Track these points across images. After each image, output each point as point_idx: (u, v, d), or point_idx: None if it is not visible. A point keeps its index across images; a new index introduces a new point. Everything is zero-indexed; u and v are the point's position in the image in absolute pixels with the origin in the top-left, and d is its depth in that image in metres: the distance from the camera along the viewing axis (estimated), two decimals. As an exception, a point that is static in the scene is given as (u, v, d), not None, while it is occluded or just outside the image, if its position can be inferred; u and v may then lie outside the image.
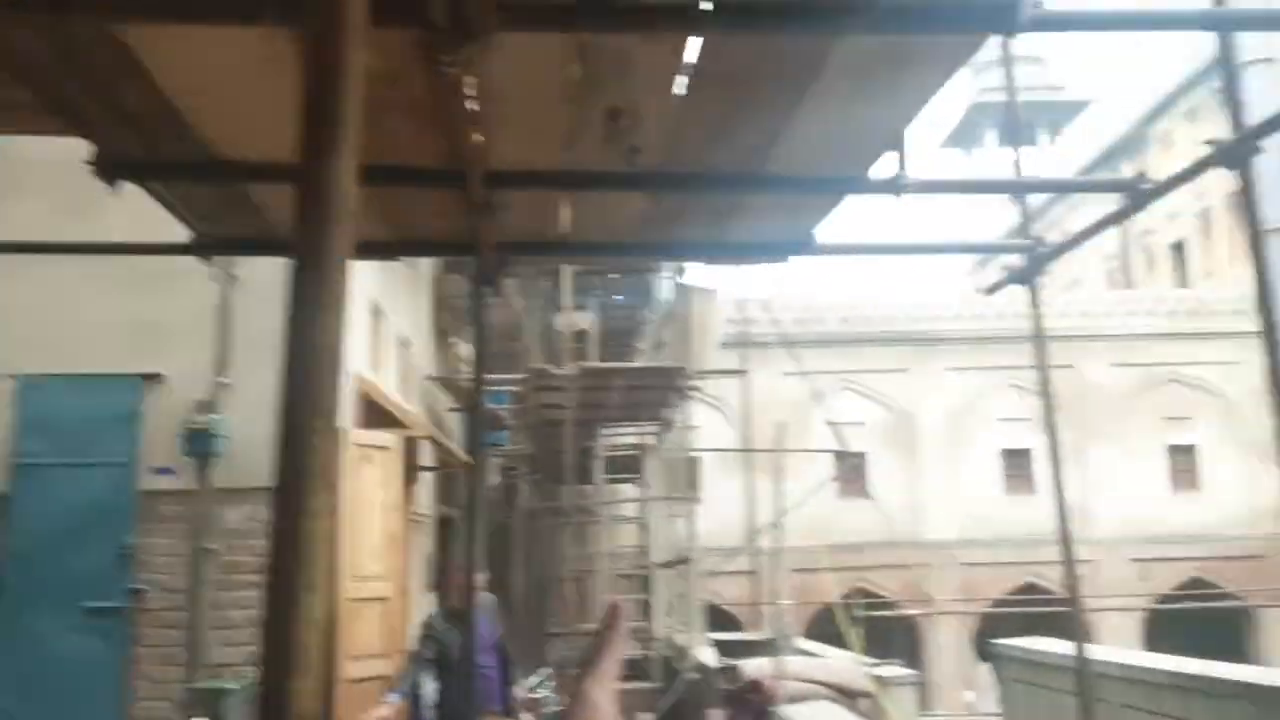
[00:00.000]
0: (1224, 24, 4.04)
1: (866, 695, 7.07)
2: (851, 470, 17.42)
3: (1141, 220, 27.90)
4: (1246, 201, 4.18)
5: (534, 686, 9.12)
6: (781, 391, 19.50)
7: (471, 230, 4.34)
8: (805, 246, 5.00)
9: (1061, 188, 20.59)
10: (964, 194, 4.75)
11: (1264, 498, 21.31)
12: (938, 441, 21.92)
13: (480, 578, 6.31)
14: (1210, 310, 22.23)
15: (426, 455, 9.59)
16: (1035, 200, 31.88)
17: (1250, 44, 21.95)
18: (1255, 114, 4.23)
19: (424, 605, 8.94)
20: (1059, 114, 40.18)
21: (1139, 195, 4.77)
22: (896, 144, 4.16)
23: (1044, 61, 41.03)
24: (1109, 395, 22.18)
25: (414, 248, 5.22)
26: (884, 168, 4.20)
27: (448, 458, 10.00)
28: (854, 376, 21.83)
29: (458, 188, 3.90)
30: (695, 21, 2.99)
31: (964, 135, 40.37)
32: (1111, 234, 29.30)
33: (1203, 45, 24.26)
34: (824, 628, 14.28)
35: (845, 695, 7.02)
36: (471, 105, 3.42)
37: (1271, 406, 4.28)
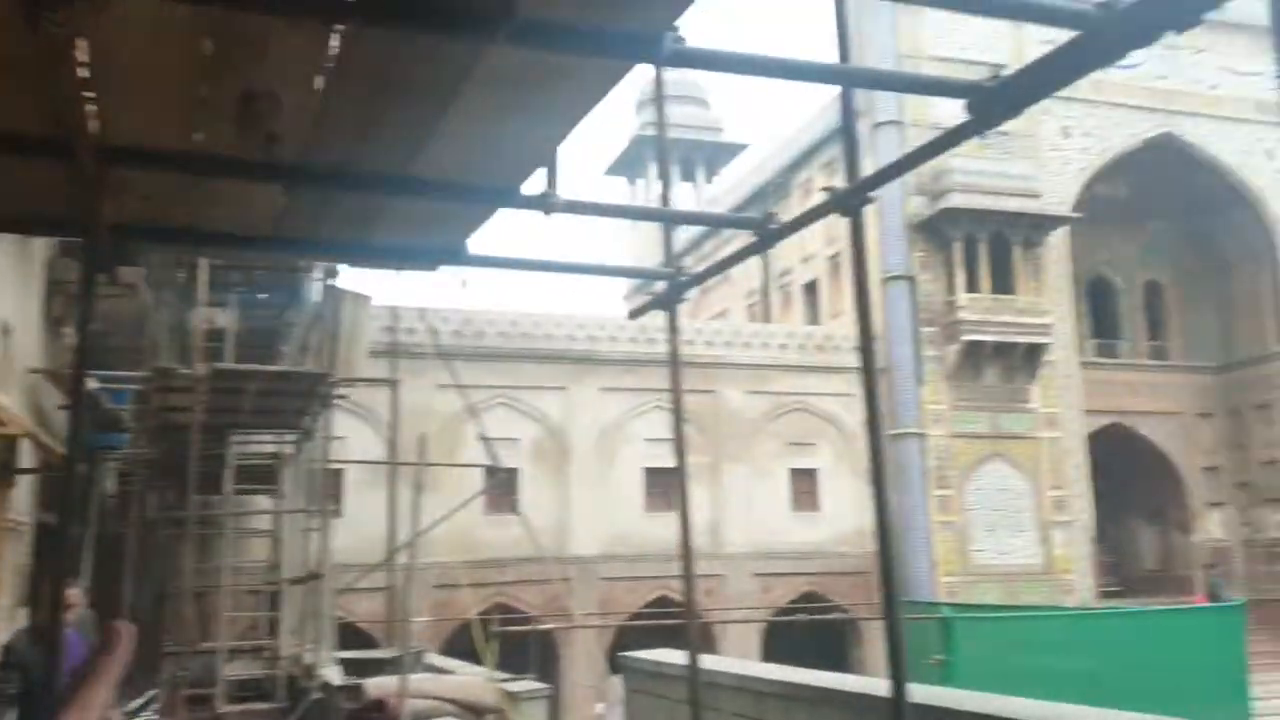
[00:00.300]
0: (845, 79, 4.41)
1: (495, 711, 7.06)
2: (502, 486, 17.52)
3: (781, 262, 30.09)
4: (855, 247, 4.57)
5: (138, 709, 8.42)
6: (435, 404, 19.32)
7: (84, 210, 3.93)
8: (455, 255, 4.95)
9: (701, 221, 21.64)
10: (611, 218, 4.87)
11: (872, 519, 23.49)
12: (588, 459, 22.52)
13: (74, 592, 5.73)
14: (835, 346, 24.32)
15: (27, 456, 8.64)
16: (691, 234, 33.69)
17: (884, 106, 24.30)
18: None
19: (17, 621, 8.03)
20: (719, 154, 42.55)
21: (767, 234, 5.10)
22: (549, 162, 4.21)
23: (707, 103, 43.33)
24: (744, 420, 23.70)
25: (15, 225, 4.67)
26: (536, 184, 4.25)
27: (54, 459, 9.07)
28: (511, 392, 22.01)
29: (67, 161, 3.51)
30: (335, 11, 2.86)
31: (627, 165, 41.90)
32: (756, 272, 31.42)
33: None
34: (463, 644, 14.19)
35: (473, 711, 6.99)
36: (82, 71, 3.10)
37: (868, 437, 4.69)
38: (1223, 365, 29.98)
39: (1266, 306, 28.31)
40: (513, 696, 7.55)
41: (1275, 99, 28.32)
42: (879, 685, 5.01)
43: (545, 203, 4.31)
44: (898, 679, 3.89)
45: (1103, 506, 26.37)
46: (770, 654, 20.43)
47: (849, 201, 4.44)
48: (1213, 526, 29.58)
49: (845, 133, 4.62)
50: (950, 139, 3.70)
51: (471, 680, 7.79)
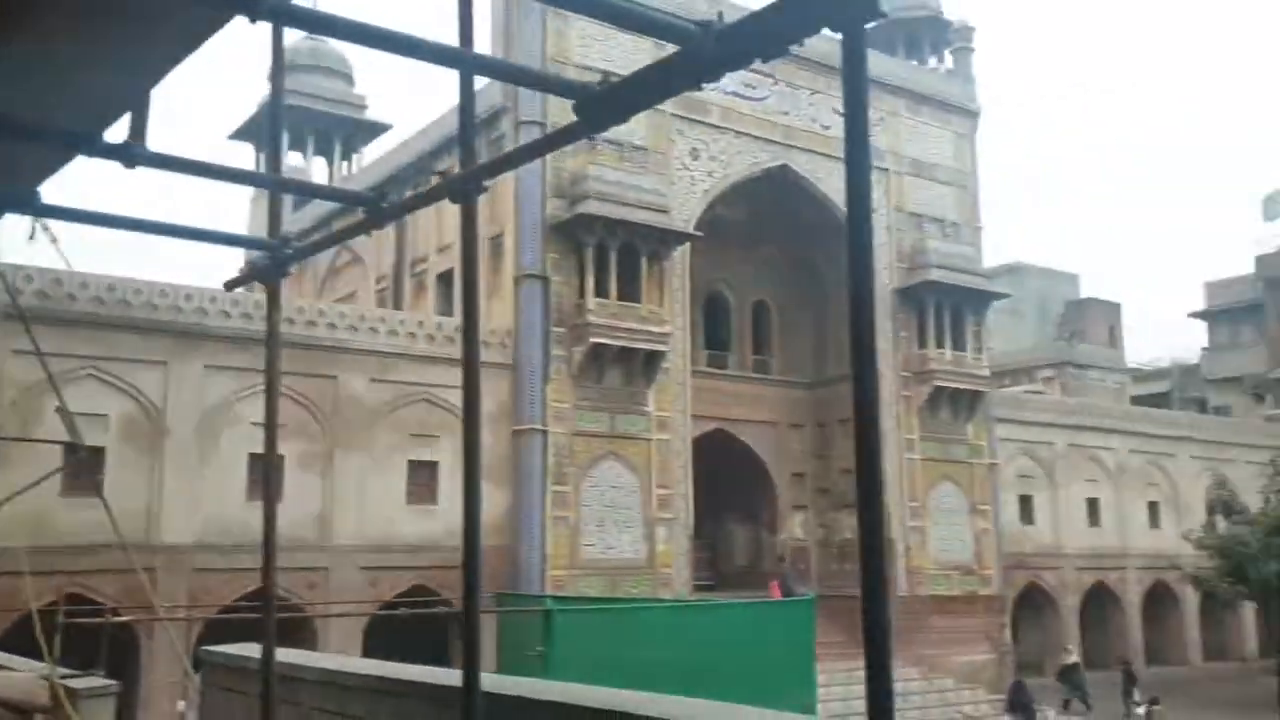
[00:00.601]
0: (461, 63, 4.34)
1: (46, 710, 6.38)
2: (83, 466, 15.90)
3: (418, 249, 29.71)
4: (465, 235, 4.52)
5: None
6: (11, 371, 17.36)
7: None
8: (24, 203, 4.45)
9: (307, 192, 20.67)
10: (208, 178, 4.53)
11: (489, 513, 23.62)
12: (187, 441, 21.02)
13: None
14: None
15: None
16: (320, 212, 32.46)
17: (528, 106, 24.64)
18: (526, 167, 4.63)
19: None
20: (361, 132, 41.45)
21: (378, 213, 4.94)
22: (137, 109, 3.86)
23: (350, 78, 42.07)
24: (364, 408, 23.10)
25: None
26: (122, 133, 3.89)
27: None
28: (102, 364, 20.10)
29: None
30: None
31: (255, 132, 39.77)
32: (390, 256, 30.82)
33: (496, 96, 26.49)
34: (27, 637, 12.80)
35: (19, 711, 6.27)
36: None
37: (464, 431, 4.66)
38: (814, 381, 32.98)
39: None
40: (72, 694, 6.85)
41: (874, 144, 31.58)
42: (441, 674, 5.01)
43: (128, 153, 3.94)
44: (470, 670, 3.88)
45: (703, 506, 28.13)
46: (375, 648, 20.02)
47: (461, 188, 4.39)
48: (795, 527, 32.48)
49: (462, 119, 4.56)
50: (559, 139, 3.72)
51: (20, 676, 6.98)
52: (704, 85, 3.21)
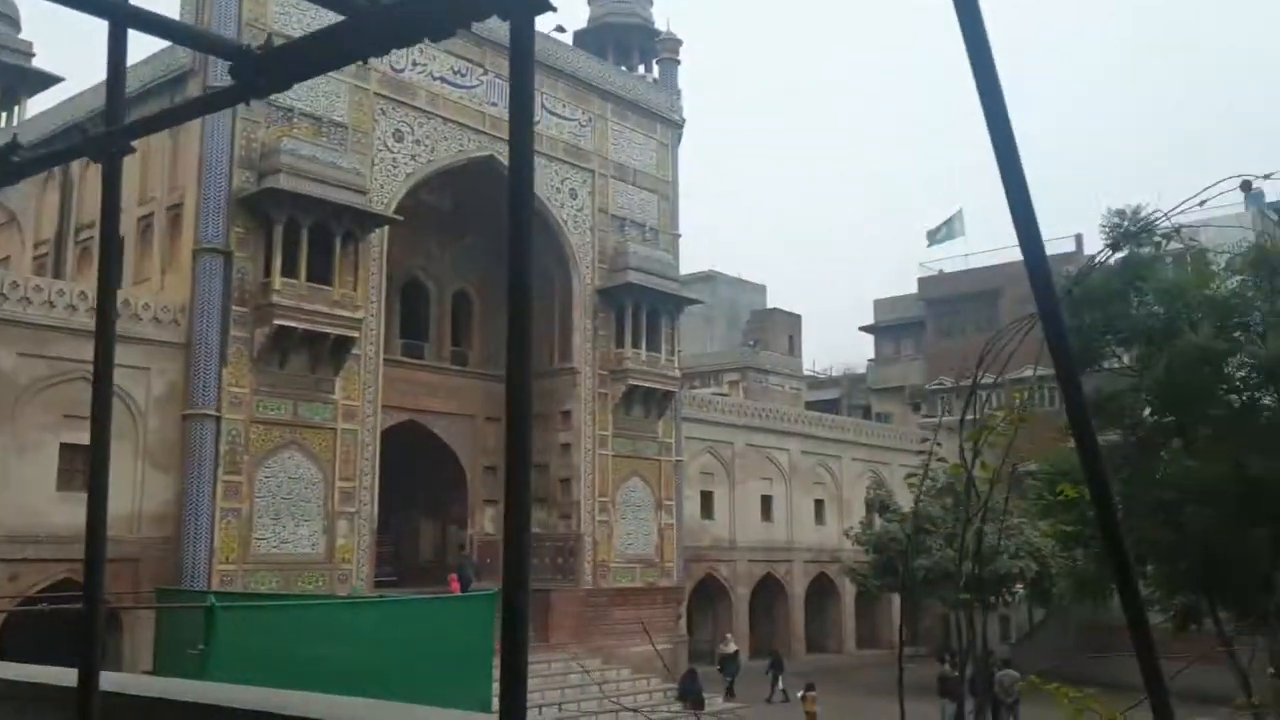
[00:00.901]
0: (111, 14, 3.95)
1: None
2: None
3: (84, 214, 27.26)
4: (106, 199, 4.12)
5: None
6: None
7: None
8: None
9: None
10: None
11: (151, 502, 22.07)
12: None
13: None
14: (134, 315, 22.22)
15: None
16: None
17: (218, 72, 23.15)
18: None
19: None
20: (27, 81, 37.70)
21: (6, 167, 4.43)
22: None
23: (17, 23, 38.24)
24: (11, 385, 20.88)
25: None
26: None
27: None
28: None
29: None
30: None
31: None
32: (52, 219, 28.15)
33: (185, 58, 24.77)
34: None
35: None
36: None
37: (93, 412, 4.23)
38: (512, 376, 33.05)
39: (554, 329, 31.72)
40: None
41: (581, 145, 32.05)
42: (71, 676, 4.56)
43: None
44: (88, 669, 3.52)
45: (389, 499, 27.51)
46: (15, 649, 18.15)
47: (105, 147, 3.98)
48: (486, 522, 32.41)
49: (110, 72, 4.13)
50: (215, 101, 3.43)
51: None
52: (370, 61, 3.05)
